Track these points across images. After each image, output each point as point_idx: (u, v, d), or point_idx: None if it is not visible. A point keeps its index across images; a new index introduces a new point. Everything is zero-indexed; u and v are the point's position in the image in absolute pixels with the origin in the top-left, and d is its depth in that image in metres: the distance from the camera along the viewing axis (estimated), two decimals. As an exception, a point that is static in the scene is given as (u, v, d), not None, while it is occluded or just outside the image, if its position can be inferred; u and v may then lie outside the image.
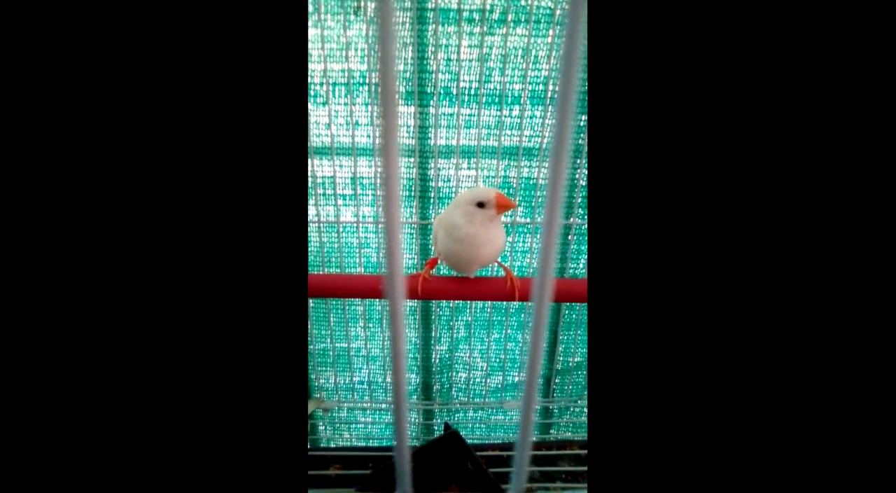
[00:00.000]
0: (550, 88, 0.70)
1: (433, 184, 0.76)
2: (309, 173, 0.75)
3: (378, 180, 0.76)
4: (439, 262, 0.58)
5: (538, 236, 0.78)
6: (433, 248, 0.57)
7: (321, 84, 0.70)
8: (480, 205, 0.48)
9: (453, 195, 0.76)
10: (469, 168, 0.75)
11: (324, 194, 0.76)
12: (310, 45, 0.69)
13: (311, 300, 0.83)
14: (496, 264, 0.68)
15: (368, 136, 0.73)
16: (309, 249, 0.80)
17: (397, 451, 0.13)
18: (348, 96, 0.71)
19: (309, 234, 0.79)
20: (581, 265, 0.82)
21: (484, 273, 0.73)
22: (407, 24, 0.68)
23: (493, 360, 0.87)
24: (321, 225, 0.77)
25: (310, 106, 0.72)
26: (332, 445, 0.92)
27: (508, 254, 0.79)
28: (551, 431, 0.94)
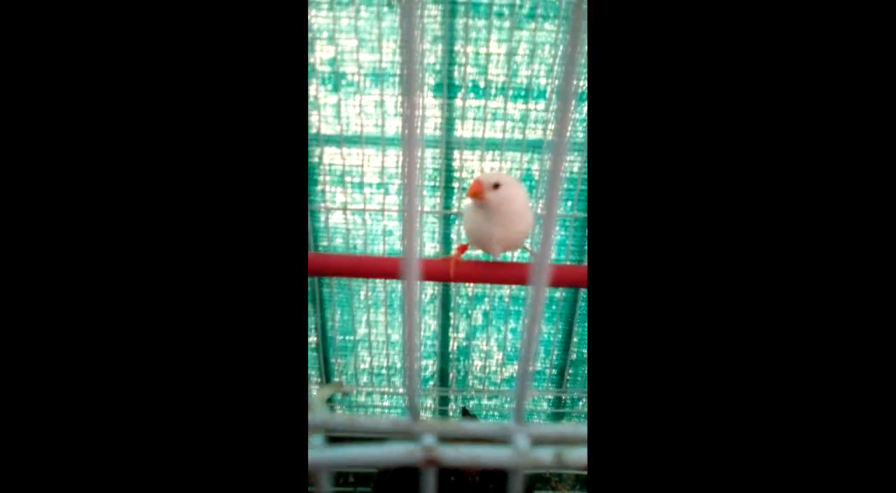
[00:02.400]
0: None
1: (457, 174, 0.78)
2: (340, 162, 0.77)
3: (402, 169, 0.78)
4: (469, 248, 0.60)
5: (559, 229, 0.80)
6: (464, 233, 0.59)
7: (353, 74, 0.72)
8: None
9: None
10: (493, 160, 0.77)
11: (352, 183, 0.78)
12: (343, 35, 0.71)
13: (335, 287, 0.85)
14: (524, 251, 0.69)
15: (398, 126, 0.75)
16: (335, 234, 0.82)
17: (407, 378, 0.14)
18: (380, 87, 0.73)
19: (335, 220, 0.81)
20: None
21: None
22: (438, 17, 0.70)
23: (510, 349, 0.89)
24: (347, 212, 0.79)
25: (340, 95, 0.74)
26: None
27: (528, 243, 0.81)
28: (563, 421, 0.96)
